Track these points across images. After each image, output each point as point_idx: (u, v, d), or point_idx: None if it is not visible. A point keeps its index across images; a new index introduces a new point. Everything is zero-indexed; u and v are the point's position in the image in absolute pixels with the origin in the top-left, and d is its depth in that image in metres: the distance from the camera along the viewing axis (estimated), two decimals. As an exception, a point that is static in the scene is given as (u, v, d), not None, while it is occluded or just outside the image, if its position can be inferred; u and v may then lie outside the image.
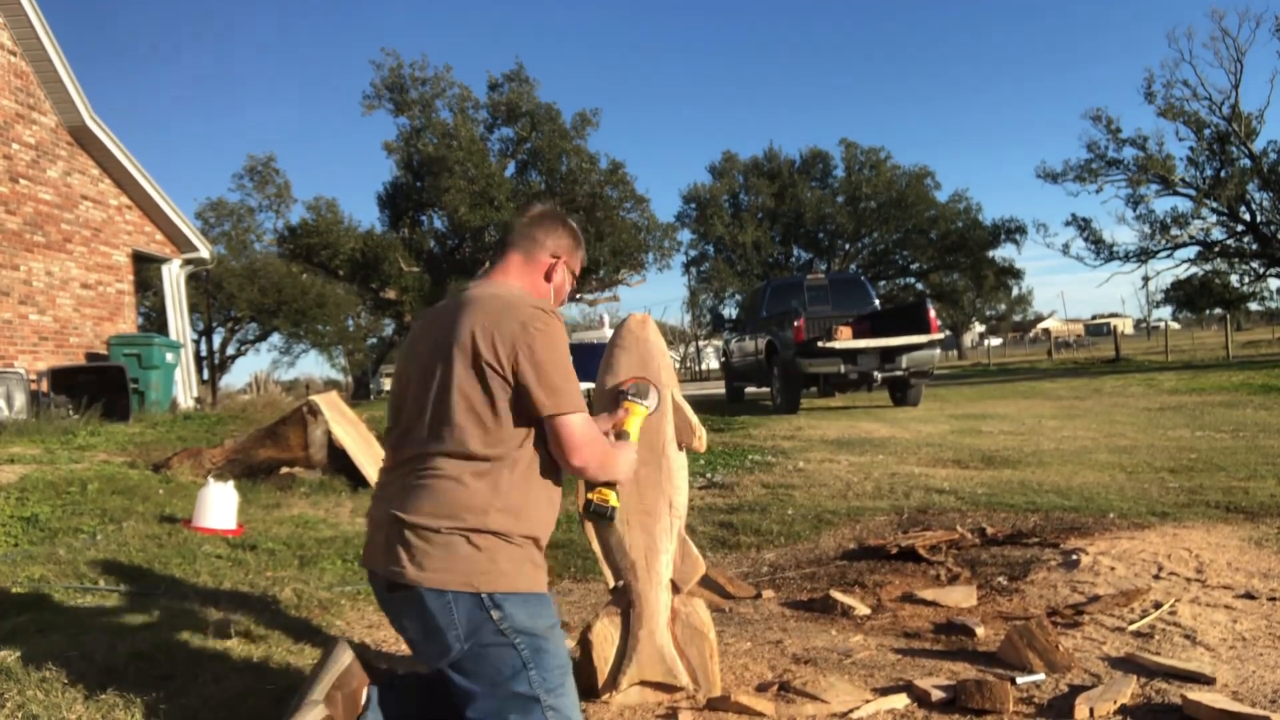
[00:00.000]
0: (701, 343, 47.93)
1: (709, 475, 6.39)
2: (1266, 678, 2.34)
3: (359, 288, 27.61)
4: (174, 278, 13.03)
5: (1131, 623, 2.87)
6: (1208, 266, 26.85)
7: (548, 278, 2.14)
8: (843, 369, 10.89)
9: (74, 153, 11.03)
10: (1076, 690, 2.26)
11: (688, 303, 43.84)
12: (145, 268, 14.20)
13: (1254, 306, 31.57)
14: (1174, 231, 25.24)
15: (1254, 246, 24.80)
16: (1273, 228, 24.14)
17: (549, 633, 1.88)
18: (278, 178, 28.74)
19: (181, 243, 12.93)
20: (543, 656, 1.85)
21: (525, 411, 1.88)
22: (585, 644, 2.36)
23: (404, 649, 2.73)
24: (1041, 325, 74.90)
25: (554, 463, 1.95)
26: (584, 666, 2.37)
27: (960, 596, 3.30)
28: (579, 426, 1.89)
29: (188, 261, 13.21)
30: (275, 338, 36.35)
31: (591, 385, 2.55)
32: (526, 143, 25.97)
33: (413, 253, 25.16)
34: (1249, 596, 3.07)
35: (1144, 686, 2.29)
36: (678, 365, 45.26)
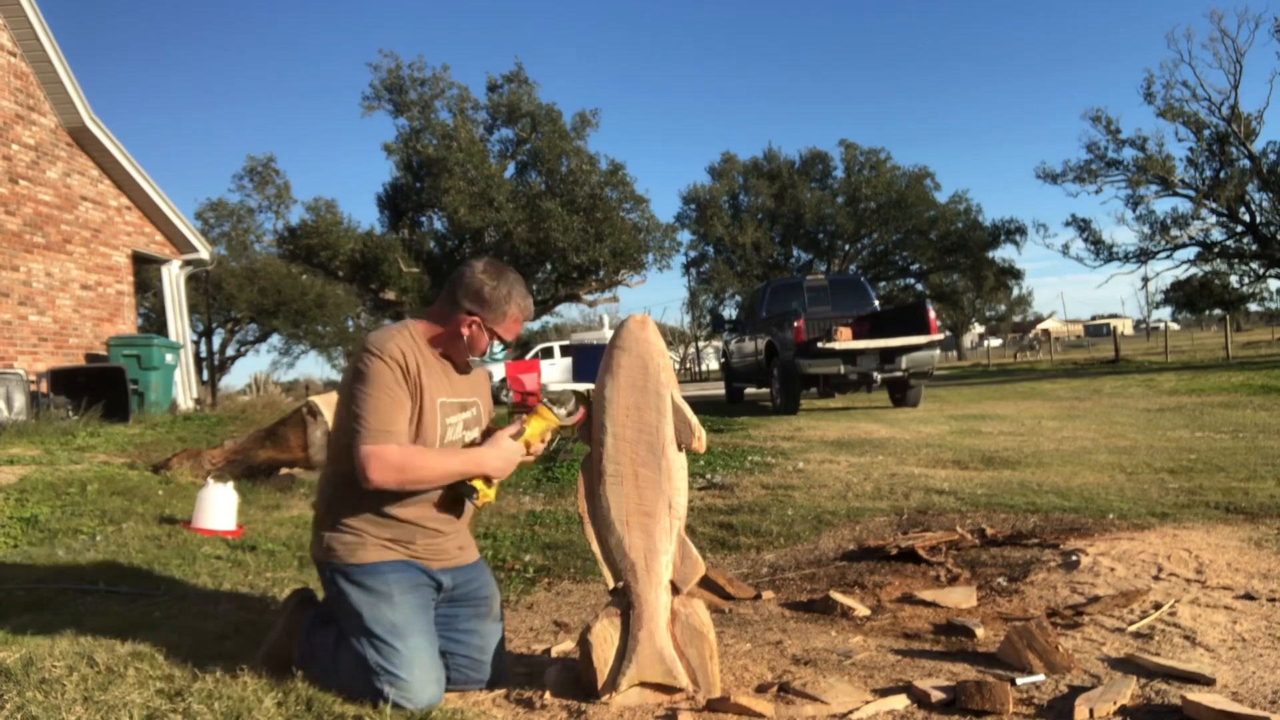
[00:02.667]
0: (701, 344, 47.92)
1: (708, 476, 6.38)
2: (1266, 678, 2.34)
3: (359, 289, 27.60)
4: (173, 279, 13.03)
5: (1131, 623, 2.87)
6: (1207, 267, 26.85)
7: (460, 332, 2.41)
8: (842, 370, 10.89)
9: (73, 153, 11.04)
10: (1076, 691, 2.26)
11: (687, 303, 43.85)
12: (145, 268, 14.20)
13: (1253, 307, 31.53)
14: (1174, 232, 25.25)
15: (1254, 247, 24.81)
16: (1272, 228, 24.14)
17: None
18: (277, 178, 28.69)
19: (181, 243, 12.94)
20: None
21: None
22: (585, 645, 2.36)
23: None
24: (1041, 326, 74.87)
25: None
26: (584, 667, 2.37)
27: (960, 597, 3.30)
28: (373, 451, 2.21)
29: (187, 262, 13.21)
30: (275, 338, 36.43)
31: (591, 386, 2.55)
32: (526, 143, 25.97)
33: (412, 254, 25.15)
34: (1249, 597, 3.07)
35: (1144, 687, 2.29)
36: (677, 366, 45.25)
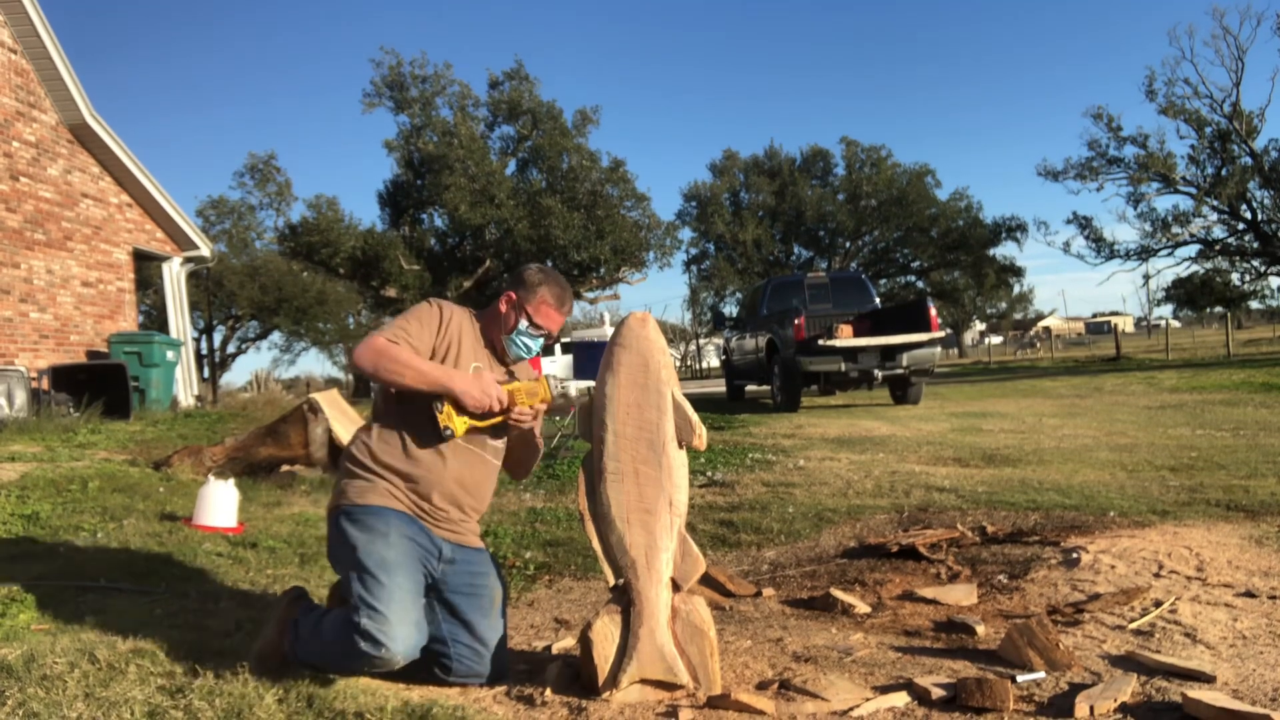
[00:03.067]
0: (702, 341, 47.90)
1: (709, 473, 6.39)
2: (1267, 676, 2.34)
3: (359, 286, 27.60)
4: (174, 276, 13.03)
5: (1132, 621, 2.87)
6: (1209, 265, 26.85)
7: (500, 309, 2.64)
8: (843, 367, 10.89)
9: (74, 150, 11.03)
10: (1077, 688, 2.26)
11: (688, 301, 43.88)
12: (146, 266, 14.20)
13: (1255, 305, 31.53)
14: (1175, 230, 25.23)
15: (1255, 245, 24.79)
16: (1273, 226, 24.12)
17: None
18: (278, 175, 28.66)
19: (182, 241, 12.93)
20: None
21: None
22: (586, 642, 2.37)
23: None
24: (1042, 323, 74.87)
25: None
26: (585, 664, 2.38)
27: (960, 595, 3.30)
28: (374, 337, 2.43)
29: (188, 259, 13.20)
30: (276, 336, 36.37)
31: (591, 383, 2.56)
32: (527, 141, 25.94)
33: (413, 251, 25.14)
34: (1249, 595, 3.07)
35: (1144, 685, 2.29)
36: (678, 363, 45.25)
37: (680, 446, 2.44)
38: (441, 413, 2.41)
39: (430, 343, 2.48)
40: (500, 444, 2.63)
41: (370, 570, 2.30)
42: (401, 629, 2.24)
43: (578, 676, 2.43)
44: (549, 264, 25.27)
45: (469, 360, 2.54)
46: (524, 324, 2.58)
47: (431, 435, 2.46)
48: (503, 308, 2.61)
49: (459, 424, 2.44)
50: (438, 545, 2.49)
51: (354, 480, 2.48)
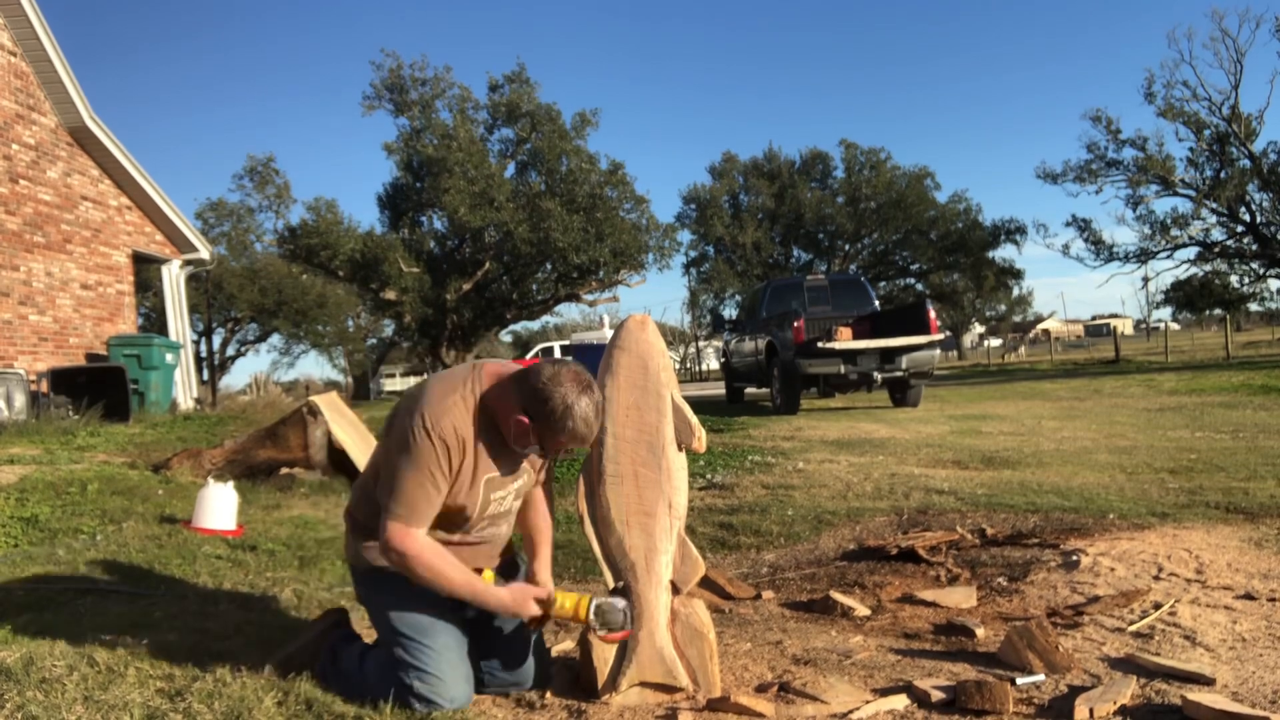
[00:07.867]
0: (701, 343, 47.91)
1: (709, 476, 6.38)
2: (1266, 678, 2.34)
3: (359, 288, 27.58)
4: (174, 278, 13.03)
5: (1131, 623, 2.87)
6: (1207, 267, 26.84)
7: (510, 421, 2.18)
8: (842, 370, 10.89)
9: (74, 153, 11.03)
10: (1076, 691, 2.26)
11: (688, 303, 43.86)
12: (145, 268, 14.20)
13: (1254, 307, 31.48)
14: (1174, 232, 25.25)
15: (1254, 247, 24.80)
16: (1272, 228, 24.13)
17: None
18: (278, 178, 28.60)
19: (181, 243, 12.94)
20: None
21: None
22: (585, 645, 2.37)
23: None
24: (1041, 326, 74.87)
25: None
26: (584, 667, 2.38)
27: (960, 597, 3.30)
28: (394, 531, 2.16)
29: (188, 262, 13.21)
30: (275, 338, 36.39)
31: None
32: (526, 143, 25.94)
33: (413, 253, 25.12)
34: (1249, 597, 3.07)
35: (1144, 687, 2.29)
36: (678, 366, 45.24)
37: (679, 449, 2.45)
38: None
39: (444, 491, 2.20)
40: (519, 502, 2.44)
41: (411, 636, 2.26)
42: (456, 688, 2.24)
43: (577, 679, 2.43)
44: (548, 266, 25.33)
45: (484, 473, 2.25)
46: (537, 449, 2.25)
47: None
48: (513, 426, 2.18)
49: None
50: None
51: (373, 541, 2.28)
